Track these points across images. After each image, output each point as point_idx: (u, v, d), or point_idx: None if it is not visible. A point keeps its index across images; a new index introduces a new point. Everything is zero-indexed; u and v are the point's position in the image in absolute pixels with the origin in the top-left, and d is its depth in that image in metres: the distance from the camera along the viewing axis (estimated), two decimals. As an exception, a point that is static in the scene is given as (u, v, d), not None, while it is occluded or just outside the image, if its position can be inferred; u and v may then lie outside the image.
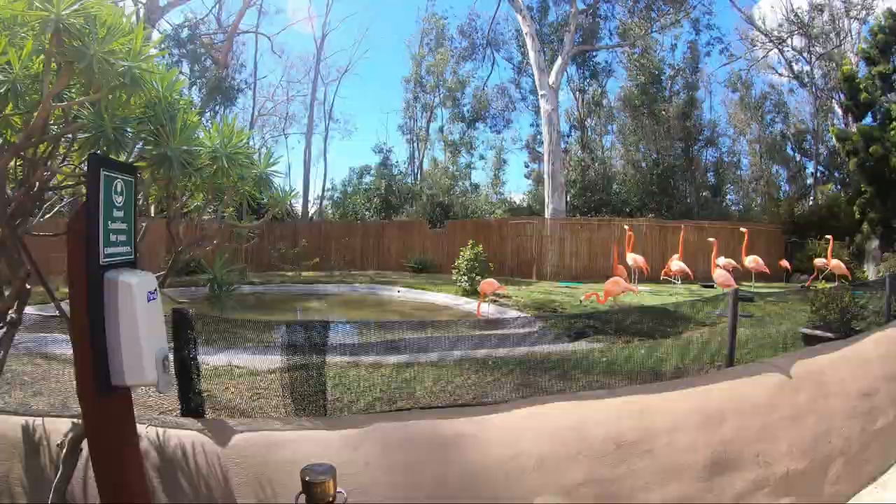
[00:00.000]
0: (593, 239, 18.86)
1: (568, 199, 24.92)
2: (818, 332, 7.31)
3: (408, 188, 26.34)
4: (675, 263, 14.22)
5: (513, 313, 11.47)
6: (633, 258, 15.01)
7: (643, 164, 25.49)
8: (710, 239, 13.73)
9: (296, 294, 16.95)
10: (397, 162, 29.04)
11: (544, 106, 20.73)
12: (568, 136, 27.79)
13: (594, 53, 26.80)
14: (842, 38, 23.91)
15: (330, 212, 31.27)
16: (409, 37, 30.20)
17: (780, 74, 27.27)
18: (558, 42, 24.84)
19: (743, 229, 15.46)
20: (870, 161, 17.74)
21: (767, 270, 14.65)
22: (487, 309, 11.91)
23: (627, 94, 26.80)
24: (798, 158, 26.83)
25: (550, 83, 20.98)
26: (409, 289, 16.37)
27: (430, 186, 24.32)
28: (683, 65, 25.87)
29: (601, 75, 27.47)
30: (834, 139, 20.39)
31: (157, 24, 25.43)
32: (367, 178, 29.60)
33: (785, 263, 18.22)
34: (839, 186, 23.79)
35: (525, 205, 26.96)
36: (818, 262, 16.36)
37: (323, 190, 30.23)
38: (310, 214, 29.97)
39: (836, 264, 14.52)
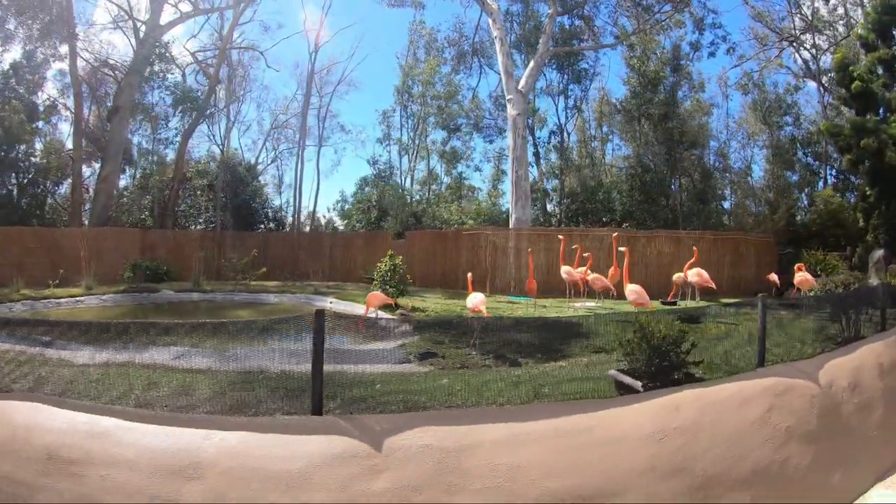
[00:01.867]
0: (554, 250, 16.83)
1: (549, 207, 22.91)
2: (627, 381, 5.37)
3: (394, 199, 25.03)
4: (592, 277, 12.17)
5: (405, 327, 10.23)
6: (566, 271, 13.05)
7: (633, 170, 22.98)
8: (621, 248, 11.67)
9: (236, 302, 16.57)
10: (388, 173, 27.79)
11: (510, 110, 18.97)
12: (547, 143, 25.67)
13: (579, 57, 24.60)
14: (851, 29, 20.74)
15: (337, 223, 30.41)
16: (401, 48, 28.72)
17: (797, 75, 24.13)
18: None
19: (694, 248, 13.16)
20: (865, 157, 15.01)
21: (712, 285, 12.35)
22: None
23: (620, 97, 24.42)
24: (812, 163, 23.56)
25: (520, 87, 19.18)
26: (341, 300, 15.22)
27: (400, 196, 22.91)
28: (666, 64, 23.11)
29: (584, 79, 25.14)
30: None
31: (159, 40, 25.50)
32: (368, 189, 28.57)
33: (773, 278, 15.56)
34: (853, 192, 20.58)
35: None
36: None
37: (315, 202, 29.39)
38: (308, 226, 29.18)
39: (801, 279, 12.01)
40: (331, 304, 15.32)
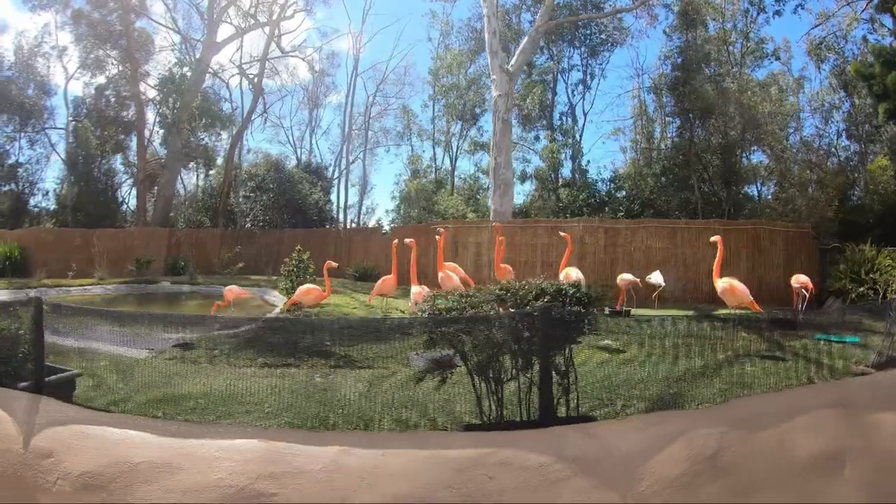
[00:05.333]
0: (517, 245, 14.19)
1: (557, 197, 19.81)
2: None
3: (409, 194, 23.45)
4: (441, 275, 9.66)
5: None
6: (442, 277, 10.59)
7: (659, 153, 18.77)
8: (439, 231, 9.13)
9: (202, 293, 16.35)
10: (416, 168, 26.13)
11: (493, 91, 16.50)
12: (560, 124, 21.67)
13: (599, 29, 20.57)
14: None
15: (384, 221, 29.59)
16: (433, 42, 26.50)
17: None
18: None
19: (563, 234, 10.02)
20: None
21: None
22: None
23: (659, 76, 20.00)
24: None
25: (509, 66, 16.59)
26: (280, 294, 14.43)
27: (406, 192, 21.12)
28: (676, 24, 18.29)
29: (604, 51, 20.87)
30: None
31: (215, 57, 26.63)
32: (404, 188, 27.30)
33: (803, 280, 11.46)
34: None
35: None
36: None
37: (361, 200, 28.69)
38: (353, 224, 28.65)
39: (723, 288, 7.89)
40: (264, 297, 14.88)
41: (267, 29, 26.33)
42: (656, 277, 11.55)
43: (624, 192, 18.46)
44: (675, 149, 18.17)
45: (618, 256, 13.62)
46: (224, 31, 27.03)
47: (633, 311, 10.75)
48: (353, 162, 29.66)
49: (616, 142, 22.95)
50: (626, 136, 22.11)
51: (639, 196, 17.31)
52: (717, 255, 7.68)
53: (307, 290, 8.53)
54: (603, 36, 20.51)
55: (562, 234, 9.95)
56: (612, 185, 19.09)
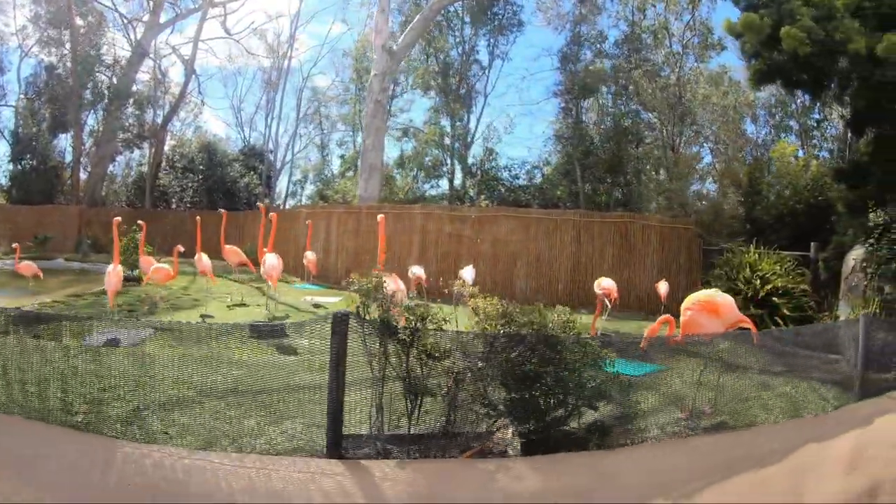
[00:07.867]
0: (362, 231, 12.68)
1: (450, 184, 18.09)
2: None
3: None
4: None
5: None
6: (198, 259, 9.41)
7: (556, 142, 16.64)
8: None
9: (89, 270, 15.97)
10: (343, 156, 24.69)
11: (372, 70, 14.98)
12: (455, 106, 19.36)
13: (510, 7, 18.46)
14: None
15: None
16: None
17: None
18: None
19: (266, 217, 8.74)
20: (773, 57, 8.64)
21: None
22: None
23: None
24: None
25: (394, 45, 15.03)
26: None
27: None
28: None
29: (511, 30, 18.64)
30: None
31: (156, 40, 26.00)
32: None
33: (663, 288, 9.34)
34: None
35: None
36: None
37: (288, 185, 27.60)
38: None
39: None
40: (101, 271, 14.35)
41: (201, 12, 25.48)
42: (467, 274, 9.87)
43: (521, 181, 16.57)
44: (565, 135, 15.97)
45: (462, 249, 11.89)
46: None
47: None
48: (305, 147, 28.67)
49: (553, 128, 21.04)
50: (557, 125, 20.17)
51: (532, 185, 15.38)
52: (379, 242, 6.05)
53: (156, 270, 8.73)
54: (519, 17, 18.45)
55: (268, 216, 8.69)
56: (509, 173, 17.21)
